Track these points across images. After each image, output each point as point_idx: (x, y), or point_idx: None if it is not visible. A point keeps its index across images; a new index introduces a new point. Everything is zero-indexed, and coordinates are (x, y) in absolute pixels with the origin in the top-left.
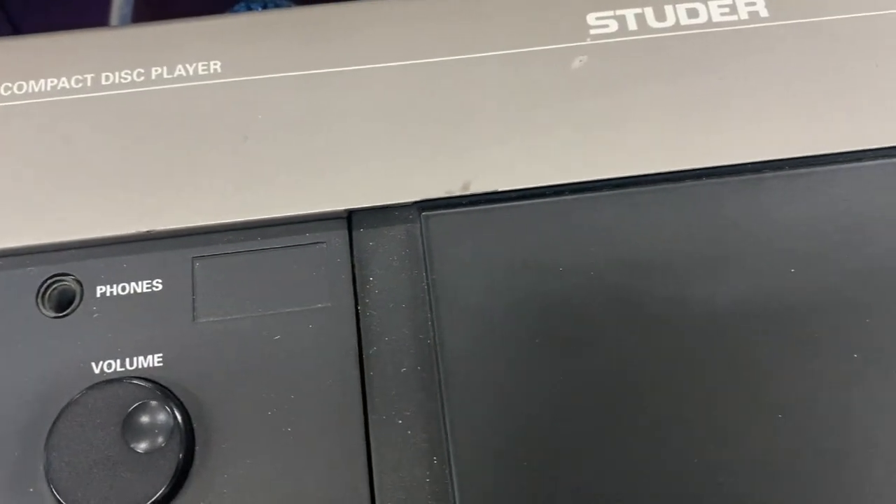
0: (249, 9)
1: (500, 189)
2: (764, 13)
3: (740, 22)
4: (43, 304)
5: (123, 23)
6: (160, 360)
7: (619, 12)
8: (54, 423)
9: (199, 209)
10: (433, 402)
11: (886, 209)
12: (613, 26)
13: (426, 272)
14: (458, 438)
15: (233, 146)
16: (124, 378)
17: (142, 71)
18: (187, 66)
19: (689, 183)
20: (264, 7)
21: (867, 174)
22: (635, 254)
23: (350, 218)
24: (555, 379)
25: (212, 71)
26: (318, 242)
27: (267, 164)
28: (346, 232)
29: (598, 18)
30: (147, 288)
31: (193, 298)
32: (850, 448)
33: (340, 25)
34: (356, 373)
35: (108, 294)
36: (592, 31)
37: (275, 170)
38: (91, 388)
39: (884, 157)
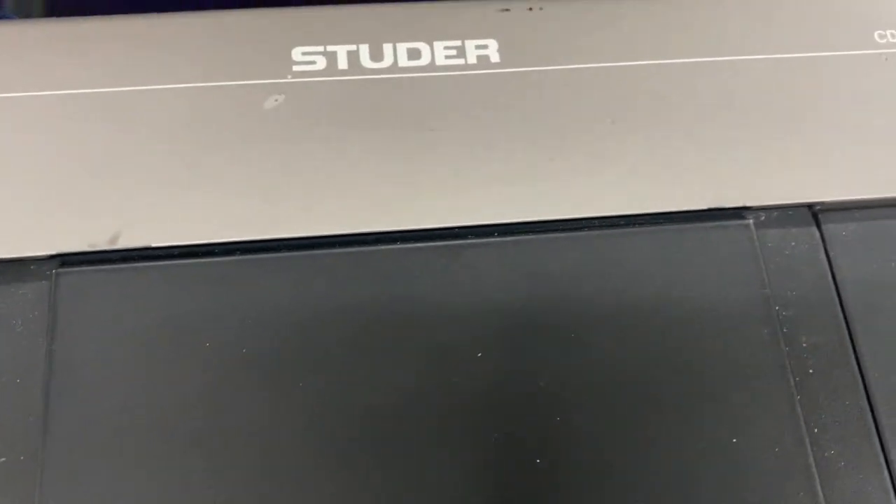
0: None
1: (154, 245)
2: (495, 58)
3: (468, 67)
4: None
5: None
6: None
7: (330, 48)
8: None
9: None
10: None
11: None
12: (321, 63)
13: (49, 340)
14: None
15: None
16: None
17: None
18: None
19: (373, 248)
20: None
21: (555, 245)
22: (294, 326)
23: None
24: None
25: None
26: None
27: None
28: None
29: (304, 54)
30: None
31: None
32: None
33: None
34: None
35: None
36: (295, 68)
37: None
38: None
39: (585, 228)
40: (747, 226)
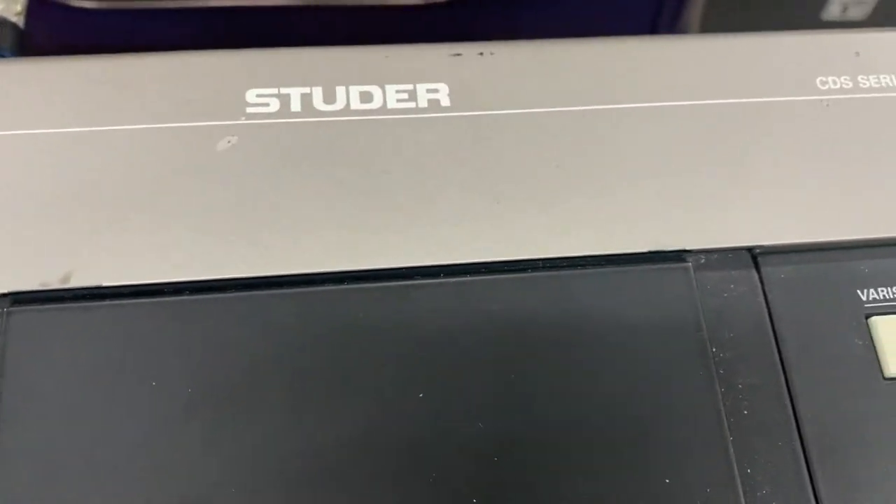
0: None
1: (105, 284)
2: (445, 102)
3: (418, 110)
4: None
5: None
6: None
7: (283, 90)
8: None
9: None
10: None
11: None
12: (274, 105)
13: None
14: None
15: None
16: None
17: None
18: None
19: (321, 288)
20: None
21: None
22: (242, 366)
23: None
24: None
25: None
26: None
27: None
28: None
29: (258, 96)
30: None
31: None
32: None
33: None
34: None
35: None
36: (249, 110)
37: None
38: None
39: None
40: (686, 269)
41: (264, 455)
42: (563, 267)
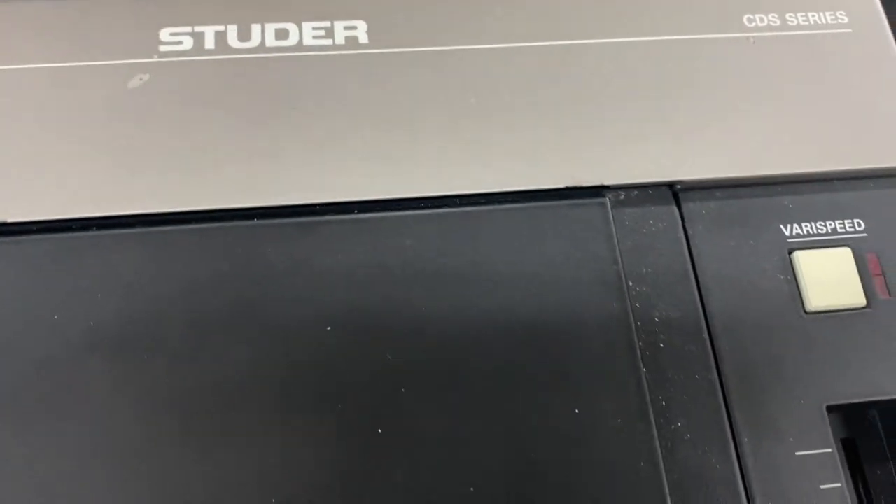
0: None
1: (10, 220)
2: (364, 39)
3: (335, 47)
4: None
5: None
6: None
7: (197, 28)
8: None
9: None
10: None
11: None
12: (188, 43)
13: None
14: None
15: None
16: None
17: None
18: None
19: (228, 224)
20: None
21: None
22: (146, 300)
23: None
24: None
25: None
26: None
27: None
28: None
29: (172, 34)
30: None
31: None
32: None
33: None
34: None
35: None
36: (162, 48)
37: None
38: None
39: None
40: (602, 204)
41: (165, 388)
42: (478, 203)
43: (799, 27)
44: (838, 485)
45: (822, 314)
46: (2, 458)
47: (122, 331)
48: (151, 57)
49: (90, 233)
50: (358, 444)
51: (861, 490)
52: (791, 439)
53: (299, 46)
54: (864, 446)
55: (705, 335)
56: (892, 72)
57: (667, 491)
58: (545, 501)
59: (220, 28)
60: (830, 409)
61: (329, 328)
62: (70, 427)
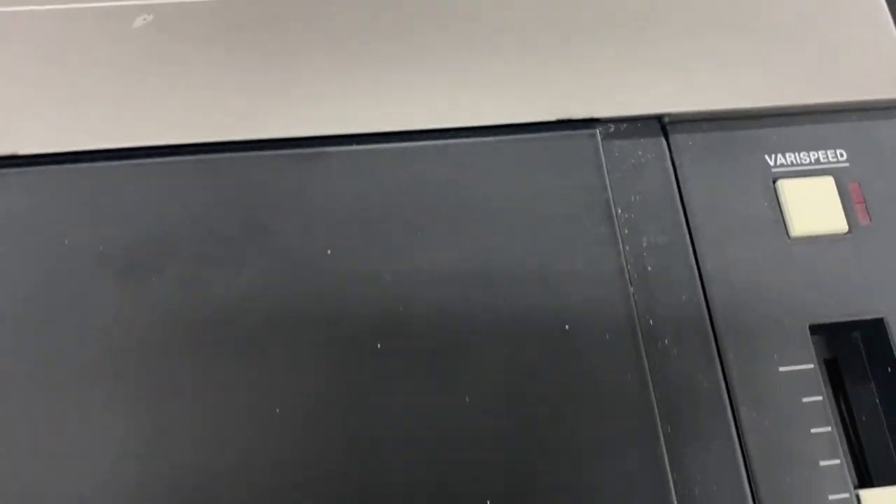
0: None
1: (21, 152)
2: None
3: None
4: None
5: None
6: None
7: None
8: None
9: None
10: None
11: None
12: None
13: None
14: None
15: None
16: None
17: None
18: None
19: (229, 155)
20: None
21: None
22: (150, 227)
23: None
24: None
25: None
26: None
27: None
28: None
29: None
30: None
31: None
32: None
33: None
34: None
35: None
36: None
37: None
38: None
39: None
40: (592, 135)
41: (171, 308)
42: (471, 136)
43: None
44: (819, 398)
45: (806, 239)
46: (11, 373)
47: (129, 255)
48: None
49: (98, 164)
50: (358, 362)
51: (843, 408)
52: (775, 356)
53: None
54: (846, 366)
55: (692, 260)
56: (875, 7)
57: (655, 404)
58: (535, 411)
59: None
60: (813, 328)
61: (329, 252)
62: (77, 344)
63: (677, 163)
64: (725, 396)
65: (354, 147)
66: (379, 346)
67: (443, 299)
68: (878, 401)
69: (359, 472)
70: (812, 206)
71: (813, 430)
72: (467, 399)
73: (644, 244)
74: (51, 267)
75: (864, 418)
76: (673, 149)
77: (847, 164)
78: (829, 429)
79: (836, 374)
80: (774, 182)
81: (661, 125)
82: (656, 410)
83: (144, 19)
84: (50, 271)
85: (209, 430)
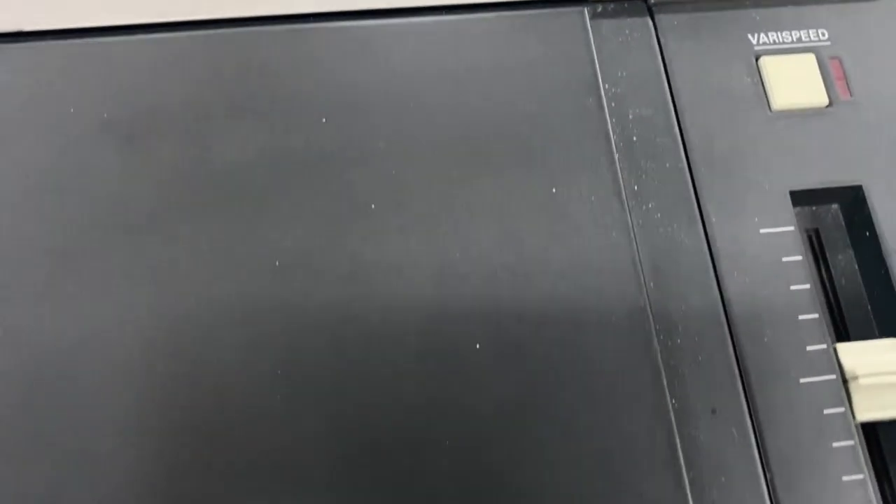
0: None
1: (26, 29)
2: None
3: None
4: None
5: None
6: None
7: None
8: None
9: None
10: None
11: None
12: None
13: None
14: None
15: None
16: None
17: None
18: None
19: (225, 30)
20: None
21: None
22: (155, 98)
23: None
24: None
25: None
26: None
27: None
28: None
29: None
30: None
31: None
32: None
33: None
34: None
35: None
36: None
37: None
38: None
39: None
40: (580, 13)
41: (172, 167)
42: (464, 12)
43: None
44: (799, 258)
45: (787, 113)
46: (25, 231)
47: (132, 122)
48: None
49: (101, 39)
50: (351, 214)
51: (823, 274)
52: (756, 219)
53: None
54: (826, 236)
55: (676, 130)
56: None
57: (639, 261)
58: (524, 272)
59: None
60: (794, 194)
61: (324, 120)
62: (87, 202)
63: (663, 42)
64: (708, 255)
65: (350, 23)
66: (373, 206)
67: (435, 159)
68: (856, 266)
69: (356, 308)
70: (793, 82)
71: (792, 287)
72: (457, 255)
73: (630, 116)
74: (58, 133)
75: (843, 282)
76: (659, 28)
77: (828, 43)
78: (807, 286)
79: (819, 248)
80: (757, 59)
81: (647, 6)
82: (641, 268)
83: None
84: (57, 137)
85: (212, 276)
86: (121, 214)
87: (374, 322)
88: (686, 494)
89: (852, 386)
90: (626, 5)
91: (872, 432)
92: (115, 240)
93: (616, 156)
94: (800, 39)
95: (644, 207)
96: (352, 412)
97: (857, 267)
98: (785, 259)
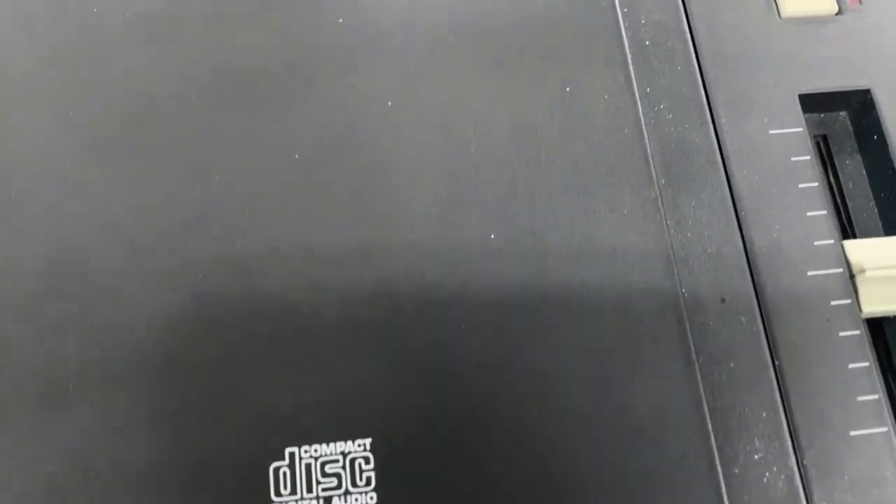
0: None
1: None
2: None
3: None
4: None
5: None
6: None
7: None
8: None
9: None
10: None
11: None
12: None
13: None
14: None
15: None
16: None
17: None
18: None
19: None
20: None
21: None
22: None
23: None
24: None
25: None
26: None
27: None
28: None
29: None
30: None
31: None
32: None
33: None
34: None
35: None
36: None
37: None
38: None
39: None
40: None
41: (187, 67)
42: None
43: None
44: (807, 157)
45: (796, 19)
46: (52, 121)
47: (154, 20)
48: None
49: None
50: (368, 109)
51: (831, 181)
52: (765, 119)
53: None
54: (834, 142)
55: (687, 36)
56: None
57: (651, 155)
58: (537, 161)
59: None
60: (803, 98)
61: (341, 20)
62: (109, 93)
63: None
64: (718, 154)
65: None
66: (390, 103)
67: (450, 56)
68: (863, 171)
69: (375, 198)
70: None
71: (801, 185)
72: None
73: (642, 20)
74: (82, 31)
75: (850, 185)
76: None
77: None
78: (815, 184)
79: (826, 153)
80: None
81: None
82: (651, 159)
83: None
84: (81, 34)
85: (235, 166)
86: (143, 111)
87: (393, 209)
88: (696, 378)
89: (859, 279)
90: None
91: (879, 332)
92: (139, 132)
93: (629, 57)
94: None
95: (656, 108)
96: (371, 287)
97: (864, 171)
98: (794, 158)
